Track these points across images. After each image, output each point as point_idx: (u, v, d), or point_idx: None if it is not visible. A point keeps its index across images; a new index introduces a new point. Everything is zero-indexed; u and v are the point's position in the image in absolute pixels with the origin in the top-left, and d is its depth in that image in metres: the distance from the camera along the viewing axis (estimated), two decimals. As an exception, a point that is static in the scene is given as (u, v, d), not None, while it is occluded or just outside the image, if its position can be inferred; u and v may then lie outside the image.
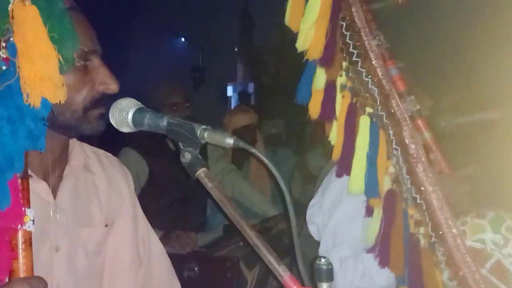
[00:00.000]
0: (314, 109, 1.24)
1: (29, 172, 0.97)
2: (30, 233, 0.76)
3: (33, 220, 0.77)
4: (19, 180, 0.78)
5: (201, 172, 0.80)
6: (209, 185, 0.79)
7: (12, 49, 0.79)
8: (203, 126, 0.82)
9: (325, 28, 1.19)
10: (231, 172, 2.77)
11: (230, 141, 0.79)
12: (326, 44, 1.19)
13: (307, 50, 1.20)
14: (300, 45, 1.21)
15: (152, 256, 1.23)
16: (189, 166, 0.81)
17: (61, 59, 0.83)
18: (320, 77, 1.24)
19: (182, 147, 0.83)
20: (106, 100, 0.99)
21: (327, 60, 1.21)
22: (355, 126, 1.22)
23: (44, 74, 0.80)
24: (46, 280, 0.98)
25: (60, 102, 0.86)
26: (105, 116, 1.00)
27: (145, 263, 1.21)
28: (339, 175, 1.22)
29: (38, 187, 0.99)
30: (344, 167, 1.21)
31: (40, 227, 0.97)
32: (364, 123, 1.21)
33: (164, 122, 0.84)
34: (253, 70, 10.96)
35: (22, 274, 0.75)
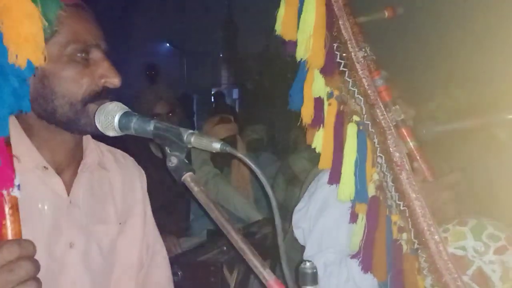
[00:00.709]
0: (308, 114, 1.25)
1: (45, 164, 0.97)
2: (16, 198, 0.74)
3: (18, 185, 0.75)
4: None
5: (187, 176, 0.80)
6: (195, 189, 0.79)
7: None
8: (190, 131, 0.82)
9: (323, 37, 1.21)
10: (216, 176, 2.76)
11: (217, 146, 0.78)
12: (327, 54, 1.21)
13: (309, 60, 1.21)
14: (301, 54, 1.22)
15: (154, 261, 1.22)
16: (175, 171, 0.81)
17: (44, 21, 0.82)
18: (320, 85, 1.24)
19: (168, 151, 0.82)
20: (107, 95, 0.98)
21: (328, 69, 1.22)
22: (344, 134, 1.23)
23: (29, 34, 0.78)
24: (61, 276, 0.98)
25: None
26: None
27: (146, 266, 1.19)
28: (331, 183, 1.23)
29: (52, 182, 0.99)
30: (336, 175, 1.22)
31: (54, 222, 0.97)
32: (351, 130, 1.23)
33: (150, 127, 0.84)
34: (237, 76, 10.98)
35: (10, 238, 0.73)
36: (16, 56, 0.77)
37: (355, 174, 1.21)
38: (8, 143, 0.78)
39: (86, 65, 0.97)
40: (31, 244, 0.74)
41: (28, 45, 0.78)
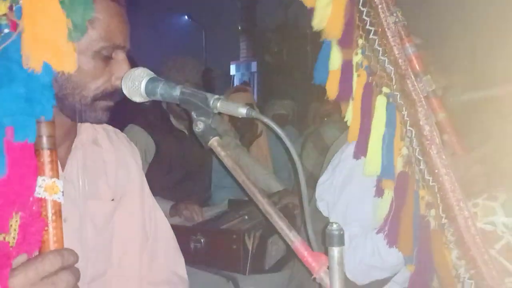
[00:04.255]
0: (332, 89, 1.21)
1: None
2: (60, 204, 0.74)
3: (63, 192, 0.75)
4: (47, 151, 0.76)
5: (213, 141, 0.80)
6: (222, 153, 0.79)
7: (19, 12, 0.75)
8: (216, 96, 0.81)
9: (343, 6, 1.14)
10: (236, 147, 2.76)
11: (243, 110, 0.78)
12: (346, 24, 1.15)
13: (325, 29, 1.15)
14: (317, 24, 1.16)
15: (158, 233, 1.24)
16: (202, 135, 0.81)
17: (70, 26, 0.80)
18: (336, 57, 1.20)
19: (194, 116, 0.82)
20: (117, 95, 0.99)
21: (346, 41, 1.17)
22: (372, 106, 1.19)
23: (49, 38, 0.76)
24: None
25: (67, 72, 0.84)
26: (111, 109, 1.01)
27: (151, 239, 1.22)
28: (356, 157, 1.20)
29: None
30: (362, 149, 1.19)
31: None
32: (380, 103, 1.19)
33: (177, 92, 0.83)
34: (256, 48, 10.86)
35: (52, 244, 0.73)
36: (28, 58, 0.75)
37: (382, 149, 1.18)
38: (53, 148, 0.78)
39: (107, 63, 0.97)
40: (72, 254, 0.74)
41: (46, 49, 0.75)
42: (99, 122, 1.01)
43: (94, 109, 0.98)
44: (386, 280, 1.32)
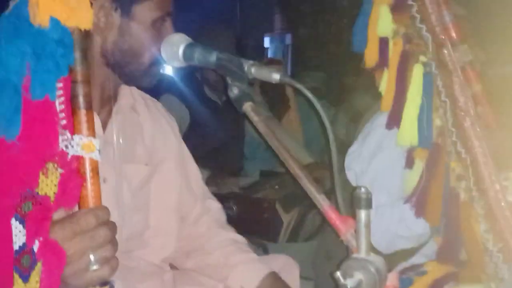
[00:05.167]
0: (371, 58, 1.21)
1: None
2: (96, 162, 0.76)
3: (99, 150, 0.77)
4: (83, 111, 0.76)
5: (247, 106, 0.82)
6: (255, 118, 0.81)
7: None
8: (251, 62, 0.83)
9: None
10: (268, 119, 2.77)
11: (276, 76, 0.80)
12: None
13: None
14: None
15: (205, 192, 1.32)
16: (237, 100, 0.83)
17: None
18: (386, 23, 1.18)
19: (230, 81, 0.84)
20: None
21: (400, 5, 1.16)
22: (407, 75, 1.18)
23: None
24: None
25: (84, 30, 0.77)
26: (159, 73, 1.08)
27: (200, 196, 1.28)
28: (389, 127, 1.20)
29: None
30: (395, 119, 1.19)
31: None
32: (417, 72, 1.17)
33: (213, 57, 0.86)
34: (290, 21, 10.65)
35: (91, 200, 0.75)
36: (35, 15, 0.71)
37: (419, 119, 1.17)
38: (89, 108, 0.77)
39: (160, 31, 1.02)
40: (106, 211, 0.76)
41: (53, 3, 0.72)
42: (149, 85, 1.08)
43: (149, 74, 1.05)
44: (412, 252, 1.33)
